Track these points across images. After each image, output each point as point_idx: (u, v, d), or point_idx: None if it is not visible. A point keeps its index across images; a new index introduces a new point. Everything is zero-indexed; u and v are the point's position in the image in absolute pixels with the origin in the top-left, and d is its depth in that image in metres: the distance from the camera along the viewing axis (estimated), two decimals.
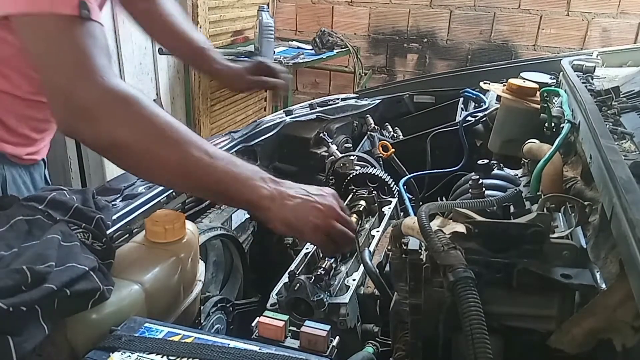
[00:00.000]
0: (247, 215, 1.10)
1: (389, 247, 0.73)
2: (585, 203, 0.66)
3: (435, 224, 0.61)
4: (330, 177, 1.15)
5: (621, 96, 0.96)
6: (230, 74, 1.16)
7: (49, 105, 0.71)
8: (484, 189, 0.85)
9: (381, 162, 1.26)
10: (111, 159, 0.73)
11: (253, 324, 0.67)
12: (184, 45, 1.14)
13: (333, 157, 1.20)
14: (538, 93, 1.10)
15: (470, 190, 0.87)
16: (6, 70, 0.84)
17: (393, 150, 1.21)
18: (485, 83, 1.25)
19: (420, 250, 0.61)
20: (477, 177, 0.88)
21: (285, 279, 0.78)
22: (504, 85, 1.15)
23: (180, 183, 0.75)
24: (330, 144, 1.25)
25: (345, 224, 0.75)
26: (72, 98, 0.66)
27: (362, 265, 0.81)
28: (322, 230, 0.73)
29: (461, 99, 1.52)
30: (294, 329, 0.64)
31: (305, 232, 0.74)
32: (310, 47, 3.14)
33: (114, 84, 0.67)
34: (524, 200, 0.77)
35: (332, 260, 0.83)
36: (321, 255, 0.86)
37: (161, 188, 0.88)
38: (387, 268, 0.79)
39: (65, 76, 0.67)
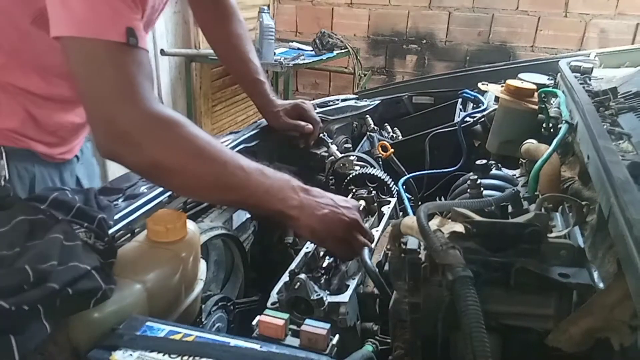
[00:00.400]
0: (248, 215, 1.11)
1: (388, 247, 0.73)
2: (583, 203, 0.66)
3: (434, 224, 0.61)
4: (330, 177, 1.16)
5: (619, 97, 0.97)
6: (267, 112, 1.21)
7: (91, 129, 0.73)
8: (482, 189, 0.86)
9: (380, 162, 1.26)
10: (152, 180, 0.79)
11: (254, 323, 0.67)
12: (240, 69, 1.22)
13: (333, 157, 1.20)
14: (536, 94, 1.10)
15: (468, 190, 0.88)
16: (53, 77, 0.85)
17: (392, 150, 1.22)
18: (483, 84, 1.26)
19: (419, 250, 0.61)
20: (476, 177, 0.88)
21: (285, 278, 0.79)
22: (502, 86, 1.15)
23: (218, 198, 0.80)
24: (330, 144, 1.26)
25: (365, 235, 0.81)
26: (114, 123, 0.68)
27: (361, 264, 0.81)
28: (345, 241, 0.79)
29: (460, 100, 1.53)
30: (294, 327, 0.65)
31: (328, 241, 0.79)
32: (310, 48, 3.15)
33: (156, 110, 0.70)
34: (522, 200, 0.77)
35: (332, 259, 0.83)
36: (321, 254, 0.86)
37: (162, 188, 0.88)
38: (387, 267, 0.80)
39: (109, 102, 0.69)
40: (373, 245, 0.90)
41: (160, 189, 0.89)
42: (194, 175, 0.72)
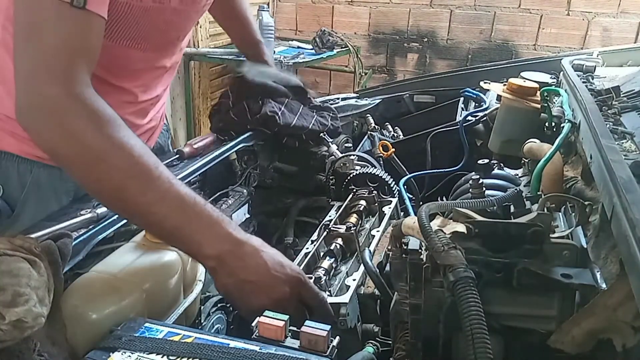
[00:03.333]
0: (247, 215, 1.10)
1: (389, 247, 0.73)
2: (586, 203, 0.66)
3: (435, 224, 0.61)
4: (331, 177, 1.15)
5: (621, 96, 0.96)
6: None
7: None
8: (484, 188, 0.85)
9: (381, 162, 1.26)
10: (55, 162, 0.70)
11: (253, 324, 0.67)
12: (240, 31, 1.24)
13: (333, 156, 1.20)
14: (538, 93, 1.10)
15: (470, 190, 0.87)
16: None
17: (393, 150, 1.21)
18: (485, 83, 1.25)
19: (420, 250, 0.61)
20: (478, 176, 0.88)
21: None
22: (504, 84, 1.15)
23: (122, 213, 0.70)
24: (330, 143, 1.25)
25: (298, 314, 0.67)
26: (30, 94, 0.64)
27: (362, 265, 0.81)
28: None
29: (461, 99, 1.52)
30: (294, 328, 0.64)
31: (242, 310, 0.68)
32: (310, 46, 3.14)
33: (75, 94, 0.63)
34: (524, 200, 0.76)
35: (332, 260, 0.83)
36: (321, 254, 0.86)
37: None
38: (387, 268, 0.79)
39: (34, 72, 0.63)
40: (373, 246, 0.90)
41: None
42: (91, 178, 0.64)
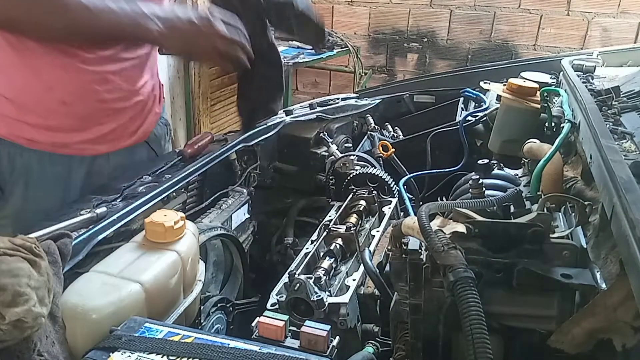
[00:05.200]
0: (247, 215, 1.10)
1: (389, 247, 0.73)
2: (586, 203, 0.66)
3: (435, 224, 0.61)
4: (330, 177, 1.15)
5: (621, 96, 0.96)
6: None
7: None
8: (484, 188, 0.85)
9: (381, 162, 1.26)
10: None
11: (253, 324, 0.67)
12: None
13: (333, 157, 1.20)
14: (538, 93, 1.10)
15: (470, 190, 0.87)
16: None
17: (393, 150, 1.21)
18: (485, 83, 1.25)
19: (420, 250, 0.61)
20: (477, 177, 0.88)
21: (285, 279, 0.78)
22: (504, 85, 1.14)
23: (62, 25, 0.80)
24: (330, 143, 1.25)
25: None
26: None
27: (362, 265, 0.81)
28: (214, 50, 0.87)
29: (461, 99, 1.52)
30: (294, 329, 0.64)
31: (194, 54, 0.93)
32: (310, 46, 3.14)
33: None
34: (524, 200, 0.76)
35: (332, 260, 0.83)
36: (321, 254, 0.86)
37: (161, 188, 0.87)
38: (387, 268, 0.79)
39: None
40: (373, 246, 0.90)
41: (159, 190, 0.88)
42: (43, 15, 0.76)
